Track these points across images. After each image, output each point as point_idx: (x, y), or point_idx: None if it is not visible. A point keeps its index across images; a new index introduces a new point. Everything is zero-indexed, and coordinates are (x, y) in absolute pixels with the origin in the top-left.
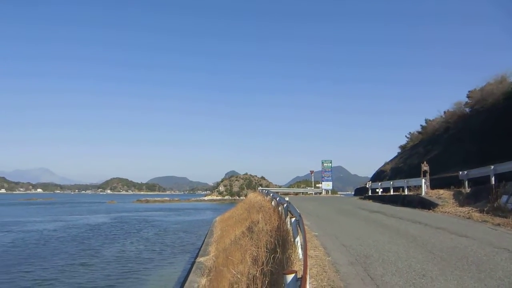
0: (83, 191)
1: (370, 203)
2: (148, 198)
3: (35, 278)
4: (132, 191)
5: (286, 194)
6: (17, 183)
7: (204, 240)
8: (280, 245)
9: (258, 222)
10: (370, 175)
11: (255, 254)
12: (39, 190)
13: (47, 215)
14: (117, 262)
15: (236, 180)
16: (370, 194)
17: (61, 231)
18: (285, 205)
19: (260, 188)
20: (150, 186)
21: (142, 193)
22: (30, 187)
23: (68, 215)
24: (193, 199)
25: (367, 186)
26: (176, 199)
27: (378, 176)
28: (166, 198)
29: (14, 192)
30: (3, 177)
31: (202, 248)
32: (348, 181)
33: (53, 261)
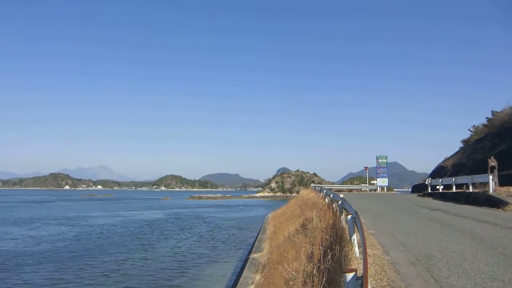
0: (139, 188)
1: (430, 201)
2: (201, 195)
3: (97, 270)
4: (185, 188)
5: (339, 191)
6: (79, 180)
7: (257, 237)
8: (336, 243)
9: (312, 219)
10: (429, 171)
11: (310, 252)
12: (99, 186)
13: (107, 211)
14: (173, 257)
15: (287, 177)
16: (429, 191)
17: (120, 226)
18: (339, 202)
19: (312, 185)
20: (203, 183)
21: (195, 189)
22: (91, 184)
23: (126, 211)
24: (245, 195)
25: (426, 183)
26: (228, 195)
27: (438, 172)
28: (219, 195)
29: (77, 188)
30: (68, 175)
31: (255, 245)
32: (404, 178)
33: (113, 255)
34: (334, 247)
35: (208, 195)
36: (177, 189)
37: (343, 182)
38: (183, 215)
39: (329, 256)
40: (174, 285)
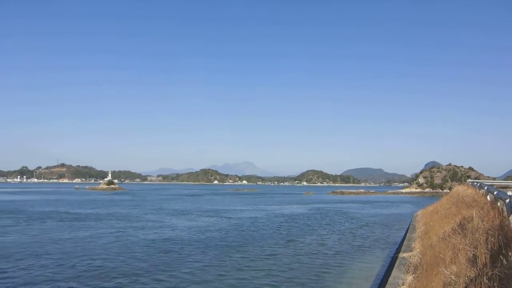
0: (281, 183)
1: None
2: (343, 190)
3: (248, 261)
4: (326, 182)
5: (505, 187)
6: (226, 176)
7: (405, 235)
8: (505, 246)
9: (471, 219)
10: None
11: (471, 255)
12: (244, 181)
13: (253, 205)
14: (316, 254)
15: (437, 172)
16: None
17: (265, 219)
18: (507, 200)
19: (469, 180)
20: (345, 178)
21: (336, 184)
22: (237, 179)
23: (270, 205)
24: (389, 191)
25: None
26: (372, 191)
27: None
28: (361, 190)
29: (224, 183)
30: (216, 170)
31: (404, 243)
32: None
33: (260, 248)
34: (503, 251)
35: (350, 191)
36: (319, 184)
37: (507, 177)
38: (326, 210)
39: (497, 262)
40: (319, 281)
